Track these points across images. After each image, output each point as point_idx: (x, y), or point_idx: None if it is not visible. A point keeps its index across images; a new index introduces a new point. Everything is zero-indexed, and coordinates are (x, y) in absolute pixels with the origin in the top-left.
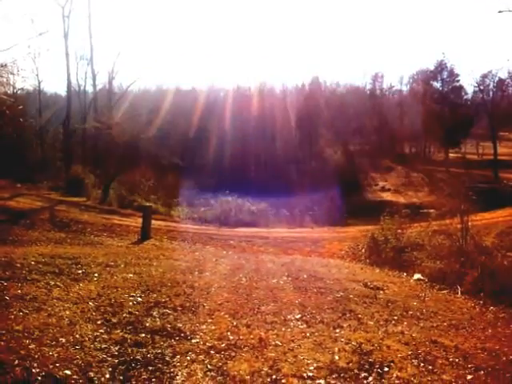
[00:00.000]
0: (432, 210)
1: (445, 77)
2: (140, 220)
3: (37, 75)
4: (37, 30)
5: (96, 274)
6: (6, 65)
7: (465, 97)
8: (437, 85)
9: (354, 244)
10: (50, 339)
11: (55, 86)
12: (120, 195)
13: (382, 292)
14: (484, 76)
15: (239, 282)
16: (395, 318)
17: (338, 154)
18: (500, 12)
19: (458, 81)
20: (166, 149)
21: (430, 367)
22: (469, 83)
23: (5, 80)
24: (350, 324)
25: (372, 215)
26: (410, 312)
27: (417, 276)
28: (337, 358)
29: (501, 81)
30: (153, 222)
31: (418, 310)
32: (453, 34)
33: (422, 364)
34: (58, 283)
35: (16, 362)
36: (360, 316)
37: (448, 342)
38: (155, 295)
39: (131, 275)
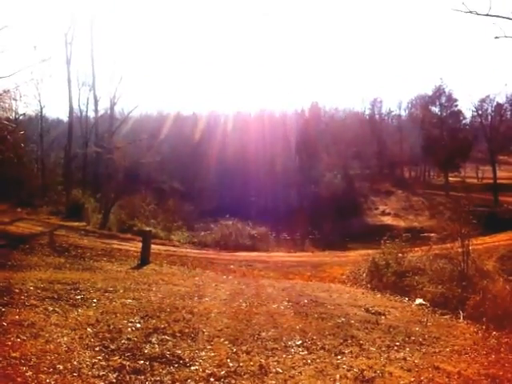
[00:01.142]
0: (433, 234)
1: (443, 102)
2: (140, 244)
3: (39, 101)
4: (40, 56)
5: (95, 300)
6: (8, 90)
7: (463, 121)
8: (435, 109)
9: (354, 268)
10: (48, 366)
11: (57, 112)
12: (120, 220)
13: (383, 317)
14: (482, 101)
15: (239, 308)
16: (397, 343)
17: (338, 178)
18: (496, 38)
19: (456, 105)
20: (166, 173)
21: None
22: (467, 108)
23: (7, 105)
24: (352, 350)
25: (372, 239)
26: (412, 337)
27: (418, 301)
28: None
29: (499, 105)
30: (152, 246)
31: (420, 336)
32: (451, 59)
33: None
34: (56, 309)
35: None
36: (362, 342)
37: (451, 368)
38: (154, 321)
39: (130, 301)
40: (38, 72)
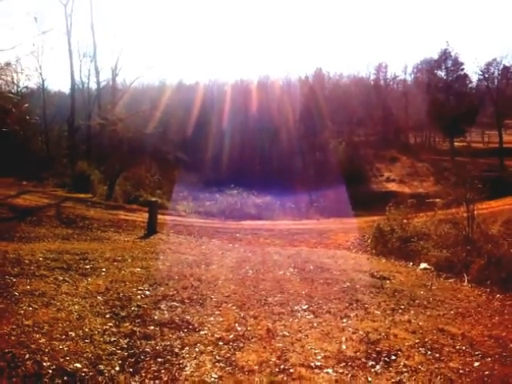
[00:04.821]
0: (438, 200)
1: (449, 65)
2: (146, 215)
3: (40, 73)
4: (40, 28)
5: (104, 269)
6: (10, 63)
7: (469, 85)
8: (441, 74)
9: (359, 235)
10: (60, 333)
11: (59, 84)
12: (126, 191)
13: (388, 282)
14: (488, 64)
15: (246, 274)
16: (402, 307)
17: (343, 146)
18: None
19: (462, 69)
20: (170, 144)
21: (437, 355)
22: (473, 71)
23: (9, 79)
24: (357, 314)
25: (377, 206)
26: (417, 301)
27: (423, 265)
28: (344, 347)
29: (505, 68)
30: (159, 216)
31: (425, 299)
32: (457, 22)
33: (429, 352)
34: (66, 278)
35: (27, 356)
36: (367, 306)
37: (455, 330)
38: (163, 288)
39: (138, 269)
40: (39, 44)
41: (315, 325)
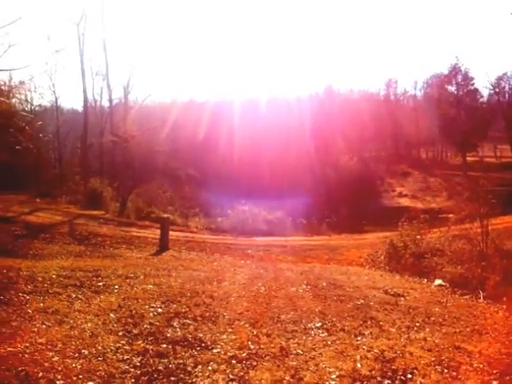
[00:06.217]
0: (451, 215)
1: (459, 80)
2: (158, 231)
3: (53, 91)
4: (53, 47)
5: (116, 286)
6: (23, 82)
7: (480, 100)
8: (451, 89)
9: (372, 251)
10: (73, 351)
11: (72, 102)
12: (138, 207)
13: (402, 299)
14: (499, 78)
15: (258, 291)
16: (417, 324)
17: (354, 161)
18: None
19: (472, 84)
20: (181, 160)
21: (454, 373)
22: (484, 86)
23: (23, 97)
24: (372, 331)
25: (390, 221)
26: (432, 318)
27: (438, 282)
28: (359, 365)
29: None
30: (170, 233)
31: (440, 316)
32: (466, 37)
33: (445, 370)
34: (79, 296)
35: (40, 374)
36: (381, 323)
37: (472, 348)
38: (175, 306)
39: (151, 286)
40: (52, 63)
41: (329, 343)
